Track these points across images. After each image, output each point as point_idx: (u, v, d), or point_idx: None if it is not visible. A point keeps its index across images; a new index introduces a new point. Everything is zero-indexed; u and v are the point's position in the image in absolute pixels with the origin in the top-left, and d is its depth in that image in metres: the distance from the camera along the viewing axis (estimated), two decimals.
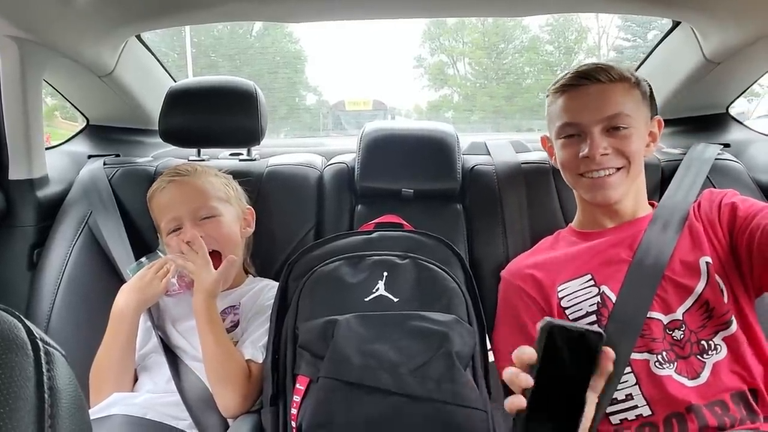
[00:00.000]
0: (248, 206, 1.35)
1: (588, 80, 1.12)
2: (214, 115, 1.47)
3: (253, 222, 1.34)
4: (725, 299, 1.05)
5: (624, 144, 1.11)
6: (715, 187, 1.30)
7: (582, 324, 1.06)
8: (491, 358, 1.06)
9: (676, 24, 1.61)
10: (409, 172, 1.43)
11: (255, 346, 1.13)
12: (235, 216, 1.28)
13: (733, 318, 1.04)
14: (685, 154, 1.37)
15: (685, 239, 1.10)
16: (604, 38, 15.05)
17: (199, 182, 1.26)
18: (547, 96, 1.22)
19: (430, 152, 1.44)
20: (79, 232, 1.39)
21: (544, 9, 1.60)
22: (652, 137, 1.19)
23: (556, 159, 1.22)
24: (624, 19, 12.92)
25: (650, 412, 1.00)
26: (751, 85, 1.69)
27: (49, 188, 1.47)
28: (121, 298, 1.17)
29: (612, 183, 1.11)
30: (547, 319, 0.70)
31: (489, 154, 1.54)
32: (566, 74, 1.17)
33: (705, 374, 1.00)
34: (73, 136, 1.85)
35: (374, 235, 1.17)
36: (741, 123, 1.75)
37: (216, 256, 1.20)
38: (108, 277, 1.35)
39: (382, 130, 1.49)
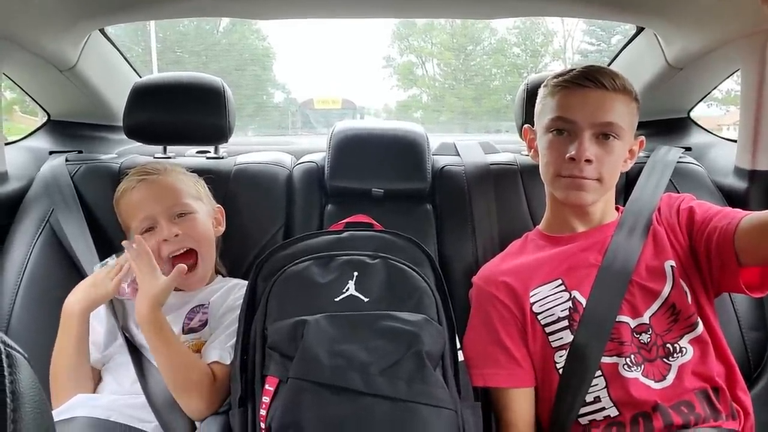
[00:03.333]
0: (217, 205, 1.33)
1: (593, 83, 1.10)
2: (181, 111, 1.45)
3: (223, 221, 1.32)
4: (689, 301, 1.08)
5: (607, 155, 1.10)
6: (677, 190, 1.33)
7: (555, 328, 1.09)
8: (461, 357, 1.07)
9: (639, 30, 1.65)
10: (379, 171, 1.43)
11: (223, 347, 1.11)
12: (207, 214, 1.27)
13: (699, 320, 1.07)
14: (648, 157, 1.40)
15: (649, 244, 1.13)
16: (570, 42, 15.32)
17: (170, 180, 1.24)
18: (544, 87, 1.19)
19: (401, 152, 1.45)
20: (40, 230, 1.35)
21: (511, 12, 1.62)
22: (630, 154, 1.19)
23: (539, 153, 1.20)
24: (589, 23, 13.17)
25: (617, 413, 1.03)
26: (712, 90, 1.74)
27: (8, 185, 1.42)
28: (71, 297, 1.14)
29: (588, 186, 1.11)
30: None
31: (458, 155, 1.55)
32: (571, 71, 1.15)
33: (670, 377, 1.03)
34: (34, 132, 1.80)
35: (344, 234, 1.16)
36: (701, 127, 1.81)
37: (192, 254, 1.19)
38: (71, 276, 1.30)
39: (352, 130, 1.48)
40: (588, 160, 1.09)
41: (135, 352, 1.14)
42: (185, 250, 1.19)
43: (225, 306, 1.19)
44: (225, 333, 1.14)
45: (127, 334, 1.17)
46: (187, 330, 1.17)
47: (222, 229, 1.31)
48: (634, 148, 1.20)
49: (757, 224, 1.00)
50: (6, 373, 0.37)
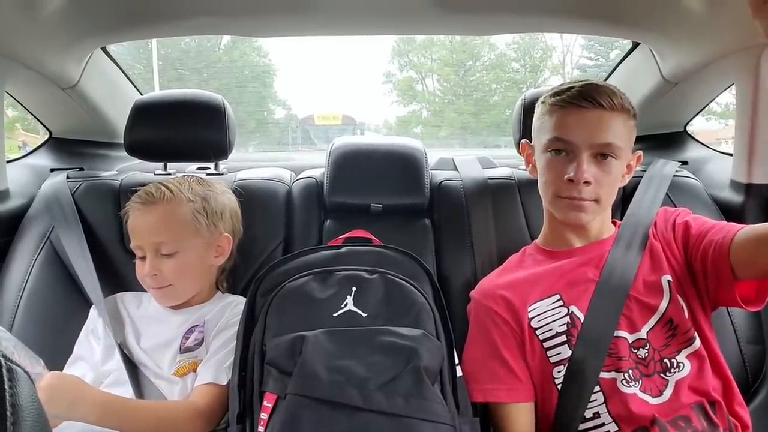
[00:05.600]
0: (225, 233, 1.27)
1: (590, 103, 1.09)
2: (181, 128, 1.46)
3: (228, 250, 1.28)
4: (686, 315, 1.08)
5: (605, 175, 1.11)
6: (674, 204, 1.34)
7: (553, 343, 1.09)
8: (459, 372, 1.07)
9: (635, 45, 1.67)
10: (377, 187, 1.44)
11: (218, 368, 1.11)
12: (203, 247, 1.23)
13: (696, 334, 1.07)
14: (645, 171, 1.41)
15: (646, 258, 1.13)
16: (569, 57, 15.43)
17: (168, 212, 1.20)
18: (542, 103, 1.19)
19: (399, 168, 1.45)
20: (41, 247, 1.36)
21: (509, 28, 1.65)
22: (628, 169, 1.19)
23: (538, 172, 1.20)
24: (588, 38, 13.26)
25: (617, 428, 1.02)
26: (708, 104, 1.75)
27: (9, 202, 1.43)
28: None
29: (587, 207, 1.12)
30: None
31: (456, 170, 1.56)
32: (570, 88, 1.13)
33: (668, 392, 1.03)
34: (36, 149, 1.81)
35: (343, 250, 1.17)
36: (698, 141, 1.82)
37: (169, 288, 1.19)
38: (70, 293, 1.32)
39: (351, 145, 1.49)
40: (587, 182, 1.09)
41: (132, 368, 1.14)
42: (163, 285, 1.19)
43: (220, 325, 1.18)
44: (221, 353, 1.13)
45: (125, 350, 1.17)
46: (184, 349, 1.16)
47: (223, 259, 1.28)
48: (632, 163, 1.20)
49: (752, 237, 1.01)
50: (6, 387, 0.38)
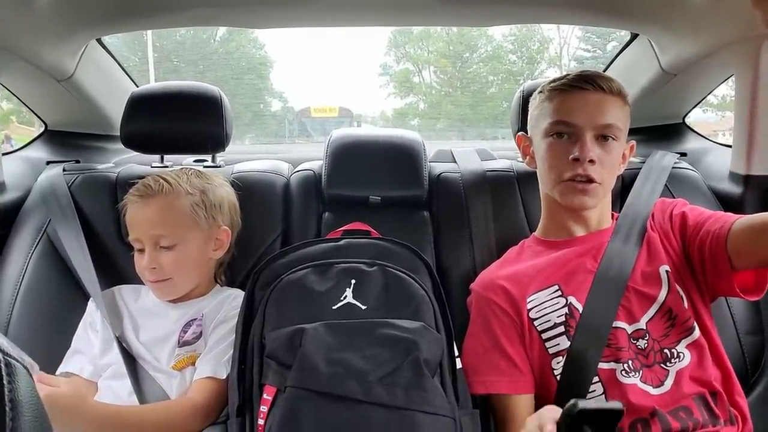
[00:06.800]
0: (224, 227, 1.26)
1: (591, 86, 1.12)
2: (178, 120, 1.45)
3: (227, 243, 1.27)
4: (685, 306, 1.08)
5: (607, 156, 1.12)
6: (673, 195, 1.34)
7: (551, 334, 1.09)
8: (459, 364, 1.07)
9: (634, 36, 1.66)
10: (376, 179, 1.43)
11: (217, 362, 1.11)
12: (202, 240, 1.22)
13: (695, 324, 1.07)
14: (643, 162, 1.41)
15: (644, 249, 1.13)
16: (566, 49, 15.42)
17: (167, 204, 1.19)
18: (539, 93, 1.21)
19: (398, 160, 1.45)
20: (37, 240, 1.35)
21: (507, 20, 1.64)
22: (623, 159, 1.20)
23: (536, 159, 1.21)
24: (584, 30, 13.25)
25: None
26: (706, 96, 1.75)
27: (5, 195, 1.42)
28: None
29: (592, 190, 1.12)
30: (575, 401, 0.74)
31: (455, 162, 1.55)
32: (566, 75, 1.16)
33: (668, 382, 1.03)
34: (31, 142, 1.80)
35: (342, 242, 1.17)
36: (697, 133, 1.81)
37: (168, 282, 1.19)
38: (67, 286, 1.31)
39: (349, 138, 1.49)
40: (591, 161, 1.10)
41: (131, 362, 1.14)
42: (163, 279, 1.18)
43: (218, 318, 1.18)
44: (220, 346, 1.13)
45: (123, 344, 1.17)
46: (182, 343, 1.16)
47: (222, 252, 1.27)
48: (626, 152, 1.21)
49: (749, 227, 1.01)
50: (5, 382, 0.37)
